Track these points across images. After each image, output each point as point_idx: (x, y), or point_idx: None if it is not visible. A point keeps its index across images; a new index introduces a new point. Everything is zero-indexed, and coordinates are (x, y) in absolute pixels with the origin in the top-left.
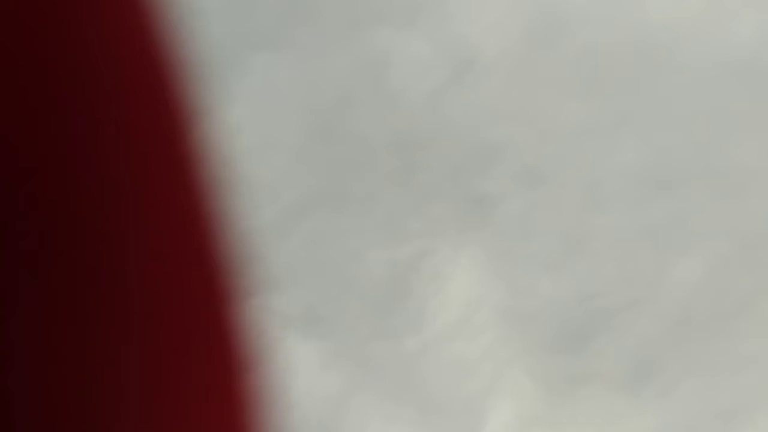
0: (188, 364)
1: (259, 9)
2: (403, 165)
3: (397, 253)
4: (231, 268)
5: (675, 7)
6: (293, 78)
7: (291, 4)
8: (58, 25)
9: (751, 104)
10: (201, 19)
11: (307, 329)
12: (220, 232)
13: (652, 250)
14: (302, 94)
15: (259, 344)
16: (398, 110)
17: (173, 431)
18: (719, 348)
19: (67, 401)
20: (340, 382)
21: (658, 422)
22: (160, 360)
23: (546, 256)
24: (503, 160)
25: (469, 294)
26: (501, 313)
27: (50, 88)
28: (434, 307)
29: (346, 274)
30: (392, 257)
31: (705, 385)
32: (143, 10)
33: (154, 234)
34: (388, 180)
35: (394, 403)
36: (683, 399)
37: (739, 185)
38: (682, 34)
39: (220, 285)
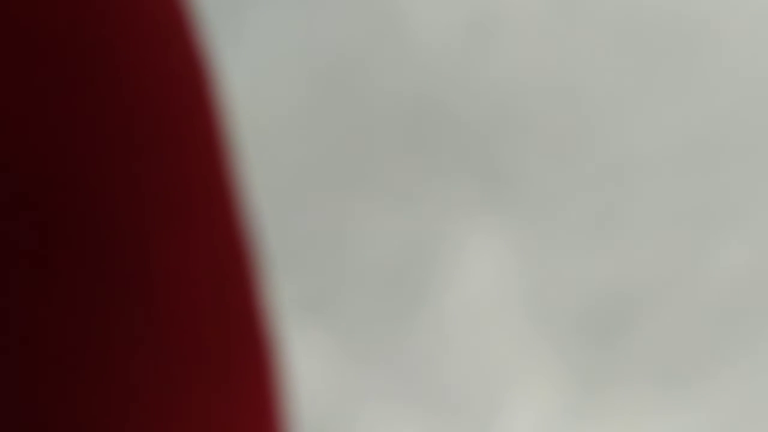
0: (210, 354)
1: None
2: (417, 135)
3: (408, 234)
4: (250, 251)
5: None
6: (296, 35)
7: None
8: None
9: None
10: None
11: (311, 317)
12: (240, 217)
13: (694, 232)
14: (306, 53)
15: (273, 332)
16: (413, 72)
17: (194, 422)
18: (765, 342)
19: (86, 394)
20: (348, 372)
21: (694, 422)
22: (181, 349)
23: (575, 238)
24: (529, 130)
25: (490, 280)
26: (524, 301)
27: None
28: (450, 295)
29: (353, 257)
30: (403, 239)
31: (749, 382)
32: None
33: (175, 220)
34: (400, 152)
35: (407, 396)
36: (724, 397)
37: None
38: (732, 3)
39: (243, 270)
